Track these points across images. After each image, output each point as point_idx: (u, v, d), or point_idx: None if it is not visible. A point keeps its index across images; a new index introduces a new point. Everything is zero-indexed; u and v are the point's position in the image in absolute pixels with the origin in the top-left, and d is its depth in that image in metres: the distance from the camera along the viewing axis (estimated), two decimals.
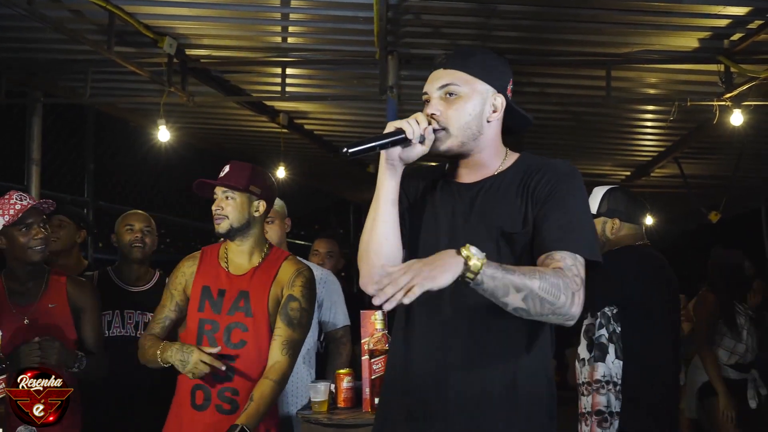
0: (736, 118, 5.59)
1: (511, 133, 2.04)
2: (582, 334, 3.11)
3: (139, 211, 3.94)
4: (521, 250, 1.87)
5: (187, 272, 2.87)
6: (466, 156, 1.95)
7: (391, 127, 1.85)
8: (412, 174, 2.03)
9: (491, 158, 1.96)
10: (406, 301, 1.59)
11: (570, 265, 1.79)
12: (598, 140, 7.96)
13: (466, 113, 1.90)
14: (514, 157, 1.99)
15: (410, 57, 5.50)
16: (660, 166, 8.46)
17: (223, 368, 2.66)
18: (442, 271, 1.62)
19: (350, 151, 1.80)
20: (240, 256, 2.84)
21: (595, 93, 6.03)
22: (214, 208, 2.81)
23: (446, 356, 1.88)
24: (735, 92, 5.37)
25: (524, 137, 7.75)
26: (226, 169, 2.84)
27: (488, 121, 1.94)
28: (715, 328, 4.63)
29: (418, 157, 1.89)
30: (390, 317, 2.72)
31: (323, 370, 3.73)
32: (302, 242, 11.11)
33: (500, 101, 1.95)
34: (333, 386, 3.09)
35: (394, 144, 1.85)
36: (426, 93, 1.95)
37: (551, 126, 7.35)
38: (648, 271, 3.07)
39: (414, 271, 1.61)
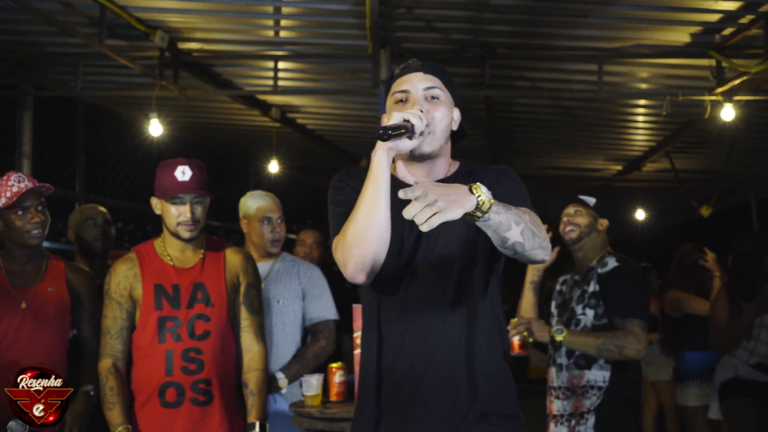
0: (727, 113, 5.59)
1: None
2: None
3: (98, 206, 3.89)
4: (483, 238, 1.92)
5: (129, 275, 2.81)
6: (433, 158, 2.01)
7: (399, 117, 1.87)
8: (359, 174, 1.99)
9: (445, 163, 2.06)
10: (426, 228, 1.62)
11: (533, 215, 1.89)
12: (590, 135, 7.97)
13: (446, 117, 1.99)
14: (457, 164, 2.10)
15: (402, 51, 5.49)
16: (651, 161, 8.48)
17: None
18: (457, 205, 1.65)
19: (387, 134, 1.81)
20: (185, 251, 2.85)
21: (587, 87, 6.05)
22: (186, 214, 2.76)
23: (411, 349, 1.96)
24: (726, 87, 5.39)
25: (516, 132, 7.78)
26: (187, 171, 2.76)
27: (452, 130, 2.05)
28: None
29: (406, 151, 1.91)
30: None
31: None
32: (294, 236, 11.01)
33: (457, 114, 2.07)
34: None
35: (407, 132, 1.87)
36: (406, 91, 1.99)
37: (543, 120, 7.36)
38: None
39: (435, 192, 1.62)
